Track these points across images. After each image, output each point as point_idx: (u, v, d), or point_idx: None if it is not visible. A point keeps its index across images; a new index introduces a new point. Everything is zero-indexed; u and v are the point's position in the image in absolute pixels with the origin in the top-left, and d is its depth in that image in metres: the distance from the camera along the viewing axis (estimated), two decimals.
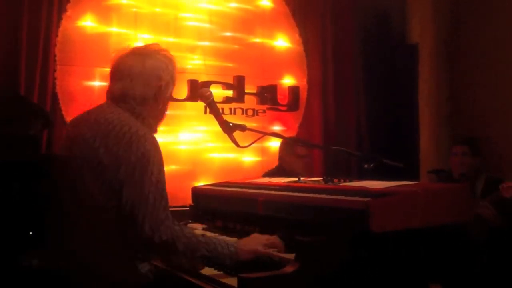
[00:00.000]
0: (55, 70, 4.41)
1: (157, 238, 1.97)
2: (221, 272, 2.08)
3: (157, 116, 2.28)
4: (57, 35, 4.41)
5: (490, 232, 4.09)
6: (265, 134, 2.74)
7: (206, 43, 5.12)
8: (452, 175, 4.58)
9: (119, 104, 2.19)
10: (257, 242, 2.12)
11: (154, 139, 2.11)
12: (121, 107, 2.17)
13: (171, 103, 5.03)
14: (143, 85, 2.19)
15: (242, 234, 2.31)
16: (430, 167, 5.23)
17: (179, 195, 3.73)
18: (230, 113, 5.11)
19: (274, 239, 2.14)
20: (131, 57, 2.22)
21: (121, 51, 2.25)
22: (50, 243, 2.19)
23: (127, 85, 2.18)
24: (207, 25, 5.13)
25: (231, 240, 2.18)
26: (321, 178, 2.70)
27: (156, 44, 2.33)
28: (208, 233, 2.47)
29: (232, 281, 1.92)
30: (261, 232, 2.25)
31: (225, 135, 2.48)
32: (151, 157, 2.03)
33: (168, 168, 4.57)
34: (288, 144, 4.45)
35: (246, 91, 5.23)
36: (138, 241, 2.00)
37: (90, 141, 2.07)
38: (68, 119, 4.28)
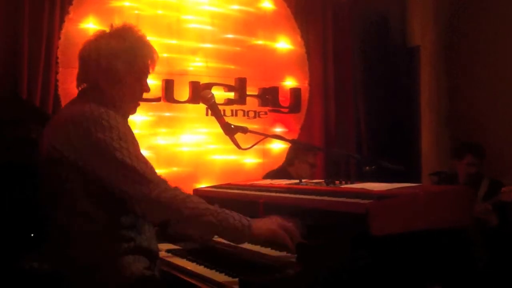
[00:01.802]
0: (57, 73, 4.41)
1: (155, 196, 1.93)
2: (223, 275, 2.09)
3: (121, 101, 2.18)
4: (59, 38, 4.42)
5: (488, 232, 4.12)
6: (266, 136, 2.75)
7: (208, 45, 5.12)
8: (456, 179, 4.59)
9: (83, 94, 2.18)
10: (273, 221, 2.04)
11: (112, 115, 2.03)
12: (83, 97, 2.16)
13: (173, 105, 5.03)
14: (95, 69, 2.13)
15: None
16: (432, 169, 5.24)
17: None
18: (232, 115, 5.12)
19: (291, 226, 2.05)
20: (86, 44, 2.19)
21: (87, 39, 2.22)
22: (44, 246, 2.19)
23: (82, 73, 2.18)
24: (209, 27, 5.14)
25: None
26: (323, 180, 2.71)
27: (113, 26, 2.23)
28: None
29: (234, 284, 1.93)
30: None
31: (227, 137, 2.49)
32: (113, 133, 1.98)
33: (170, 170, 4.66)
34: (300, 150, 4.42)
35: (248, 93, 5.24)
36: (139, 205, 1.96)
37: (52, 142, 2.06)
38: None
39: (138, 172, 1.96)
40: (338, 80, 5.71)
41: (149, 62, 2.22)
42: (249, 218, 2.01)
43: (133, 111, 2.27)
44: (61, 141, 2.03)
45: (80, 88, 2.22)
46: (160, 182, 1.98)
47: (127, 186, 1.95)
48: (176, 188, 2.00)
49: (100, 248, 2.04)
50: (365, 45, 5.86)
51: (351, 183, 2.52)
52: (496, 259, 4.12)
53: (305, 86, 5.62)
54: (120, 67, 2.14)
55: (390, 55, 5.92)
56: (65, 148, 2.01)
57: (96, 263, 2.03)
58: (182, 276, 2.21)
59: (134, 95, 2.23)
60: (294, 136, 5.45)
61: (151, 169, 2.01)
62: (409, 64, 5.90)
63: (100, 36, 2.20)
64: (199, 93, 4.30)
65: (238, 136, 2.48)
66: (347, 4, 5.79)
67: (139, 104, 2.29)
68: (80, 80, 2.21)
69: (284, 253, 2.08)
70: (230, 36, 5.25)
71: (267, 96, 5.35)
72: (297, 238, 2.04)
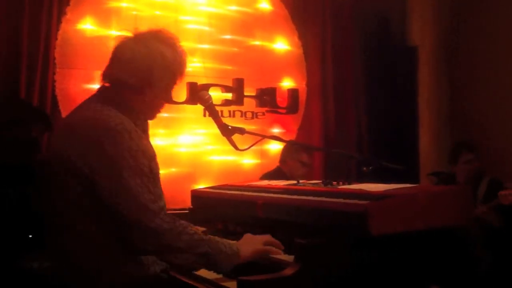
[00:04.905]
0: (54, 73, 4.40)
1: (153, 226, 1.89)
2: (221, 276, 2.08)
3: (146, 108, 2.15)
4: (56, 38, 4.41)
5: (491, 232, 4.10)
6: (264, 136, 2.75)
7: (206, 46, 5.12)
8: (456, 179, 4.59)
9: (103, 94, 2.14)
10: (254, 241, 2.10)
11: (129, 127, 1.98)
12: (104, 97, 2.12)
13: (170, 106, 5.02)
14: (130, 73, 2.08)
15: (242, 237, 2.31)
16: (430, 169, 5.24)
17: (178, 198, 3.73)
18: (229, 116, 5.11)
19: (269, 237, 2.13)
20: (127, 42, 2.14)
21: (124, 36, 2.17)
22: (45, 246, 2.17)
23: (115, 70, 2.12)
24: (206, 28, 5.14)
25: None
26: (320, 181, 2.70)
27: (162, 31, 2.18)
28: None
29: (232, 284, 1.92)
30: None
31: (224, 138, 2.48)
32: (125, 150, 1.93)
33: (168, 170, 4.65)
34: (293, 149, 4.43)
35: (245, 93, 5.23)
36: (131, 231, 1.92)
37: (62, 144, 2.04)
38: None
39: (139, 199, 1.91)
40: (337, 80, 5.71)
41: (182, 76, 2.22)
42: (236, 245, 2.05)
43: (151, 118, 2.23)
44: (71, 146, 1.98)
45: (102, 85, 2.18)
46: (160, 211, 1.94)
47: (125, 210, 1.91)
48: (174, 219, 1.97)
49: (108, 251, 2.00)
50: (365, 45, 5.86)
51: (349, 183, 2.52)
52: (499, 260, 4.11)
53: (302, 86, 5.61)
54: (160, 73, 2.10)
55: (390, 55, 5.91)
56: (75, 153, 1.96)
57: (103, 266, 2.00)
58: (179, 277, 2.21)
59: (157, 103, 2.20)
60: (292, 136, 5.45)
61: (154, 195, 1.96)
62: (409, 64, 5.88)
63: (132, 38, 2.15)
64: (197, 94, 4.29)
65: (236, 137, 2.48)
66: (346, 4, 5.78)
67: (159, 112, 2.24)
68: (102, 74, 2.17)
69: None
70: (227, 36, 5.25)
71: (264, 97, 5.34)
72: (280, 247, 2.09)
